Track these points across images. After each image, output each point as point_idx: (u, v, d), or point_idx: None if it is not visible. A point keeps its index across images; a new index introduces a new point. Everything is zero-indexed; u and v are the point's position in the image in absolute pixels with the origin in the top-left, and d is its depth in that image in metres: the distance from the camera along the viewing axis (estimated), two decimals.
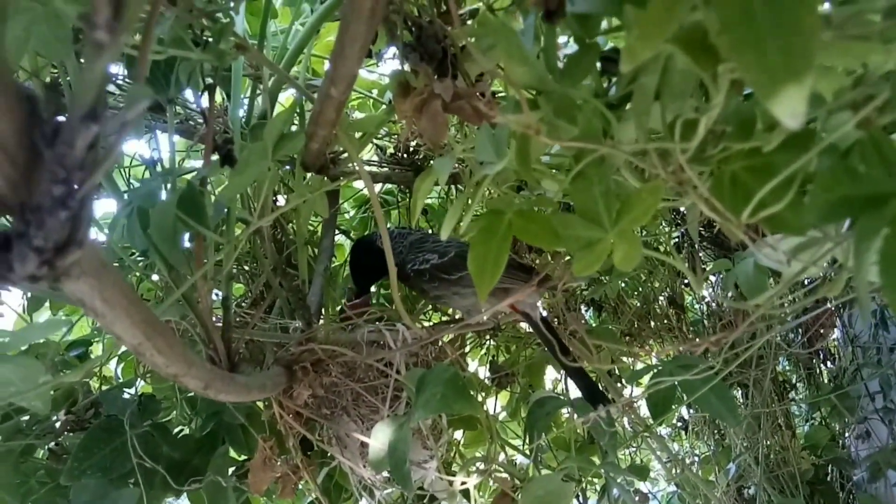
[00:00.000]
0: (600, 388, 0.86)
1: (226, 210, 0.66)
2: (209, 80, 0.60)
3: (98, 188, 0.68)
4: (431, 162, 1.14)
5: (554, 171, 0.57)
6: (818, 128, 0.43)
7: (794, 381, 1.95)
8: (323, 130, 0.61)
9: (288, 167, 0.93)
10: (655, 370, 0.90)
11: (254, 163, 0.59)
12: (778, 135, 0.42)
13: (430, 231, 1.21)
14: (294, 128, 0.76)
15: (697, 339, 0.50)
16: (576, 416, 0.78)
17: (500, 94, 0.88)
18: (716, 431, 1.69)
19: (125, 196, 0.59)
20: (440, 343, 0.93)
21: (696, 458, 1.75)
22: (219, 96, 0.98)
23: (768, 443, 1.52)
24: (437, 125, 0.57)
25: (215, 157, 0.61)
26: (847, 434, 1.91)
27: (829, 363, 1.98)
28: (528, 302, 0.86)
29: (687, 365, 0.92)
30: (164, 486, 0.87)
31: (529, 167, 0.51)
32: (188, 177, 0.67)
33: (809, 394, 1.93)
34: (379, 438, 0.74)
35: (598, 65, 0.50)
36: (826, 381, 1.96)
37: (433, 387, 0.72)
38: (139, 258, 0.65)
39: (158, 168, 0.76)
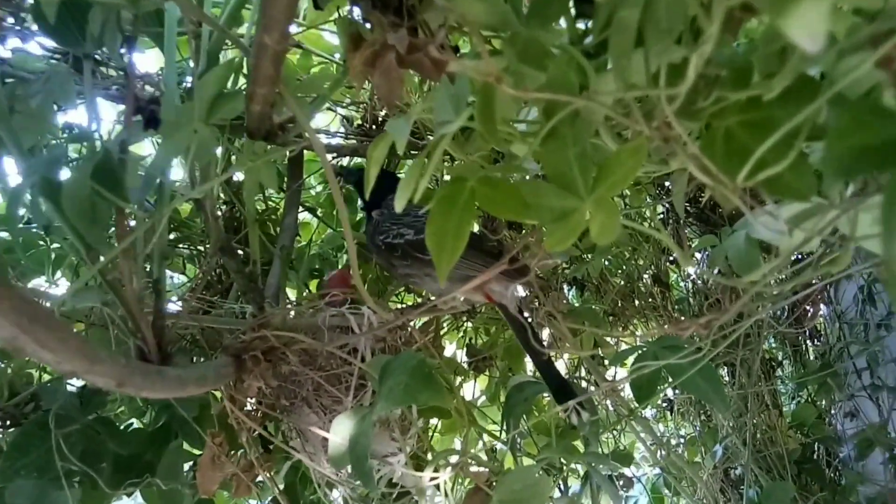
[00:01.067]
0: (567, 381, 0.80)
1: (158, 181, 0.58)
2: (129, 31, 0.53)
3: None
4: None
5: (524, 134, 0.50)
6: (828, 72, 0.36)
7: (780, 358, 1.91)
8: (262, 89, 0.53)
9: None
10: (639, 352, 0.85)
11: (183, 126, 0.51)
12: (780, 81, 0.36)
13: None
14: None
15: (684, 320, 0.44)
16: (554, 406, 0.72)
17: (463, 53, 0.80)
18: (701, 412, 1.65)
19: (26, 166, 0.52)
20: (409, 328, 0.87)
21: (682, 440, 1.71)
22: (158, 58, 0.90)
23: (755, 422, 1.48)
24: (392, 81, 0.50)
25: (139, 119, 0.53)
26: (833, 411, 1.89)
27: (815, 340, 1.95)
28: (505, 294, 0.80)
29: (672, 346, 0.87)
30: (112, 484, 0.81)
31: (493, 126, 0.44)
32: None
33: (796, 371, 1.90)
34: (339, 432, 0.68)
35: (572, 5, 0.44)
36: (812, 358, 1.93)
37: (397, 375, 0.66)
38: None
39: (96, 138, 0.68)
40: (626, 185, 0.39)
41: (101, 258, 0.51)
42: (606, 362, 1.46)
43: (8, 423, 0.80)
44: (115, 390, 0.43)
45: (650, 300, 1.52)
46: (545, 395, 0.92)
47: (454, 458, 0.73)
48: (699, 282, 1.72)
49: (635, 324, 1.59)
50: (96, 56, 0.72)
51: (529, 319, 0.87)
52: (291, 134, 0.64)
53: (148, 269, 0.60)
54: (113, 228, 0.55)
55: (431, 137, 1.07)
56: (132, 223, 0.55)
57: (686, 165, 0.42)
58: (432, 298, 0.86)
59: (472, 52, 0.45)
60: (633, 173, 0.40)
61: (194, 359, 0.79)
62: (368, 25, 0.57)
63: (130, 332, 0.52)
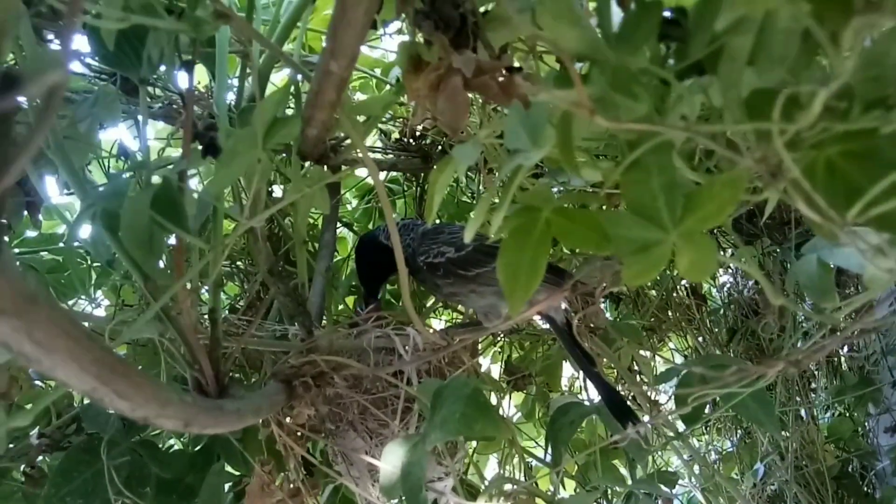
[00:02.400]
0: (627, 402, 0.78)
1: (212, 208, 0.57)
2: (187, 57, 0.51)
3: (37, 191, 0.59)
4: (441, 148, 1.05)
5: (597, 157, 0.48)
6: None
7: (812, 369, 1.87)
8: (322, 114, 0.52)
9: (284, 155, 0.84)
10: (685, 372, 0.83)
11: (242, 152, 0.50)
12: None
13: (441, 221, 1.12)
14: (289, 112, 0.67)
15: (773, 357, 0.41)
16: (610, 434, 0.70)
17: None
18: (738, 427, 1.61)
19: (88, 196, 0.50)
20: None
21: (717, 455, 1.68)
22: (205, 77, 0.89)
23: (795, 442, 1.44)
24: (458, 105, 0.48)
25: (197, 146, 0.52)
26: (869, 425, 1.84)
27: (850, 349, 1.90)
28: (552, 305, 0.77)
29: (719, 365, 0.84)
30: None
31: (573, 155, 0.42)
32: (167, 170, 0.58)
33: (829, 382, 1.85)
34: (391, 460, 0.66)
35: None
36: (846, 368, 1.88)
37: (451, 404, 0.64)
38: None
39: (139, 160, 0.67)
40: (720, 220, 0.37)
41: (159, 288, 0.50)
42: (642, 377, 1.43)
43: (50, 447, 0.79)
44: (182, 430, 0.42)
45: (687, 312, 1.48)
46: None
47: (508, 486, 0.71)
48: (734, 293, 1.68)
49: (670, 336, 1.56)
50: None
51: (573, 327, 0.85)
52: (342, 155, 0.63)
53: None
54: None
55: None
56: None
57: (785, 198, 0.40)
58: (477, 317, 0.84)
59: (550, 77, 0.43)
60: (729, 207, 0.37)
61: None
62: (426, 44, 0.55)
63: (188, 363, 0.51)
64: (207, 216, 0.56)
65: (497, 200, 0.47)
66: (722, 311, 1.67)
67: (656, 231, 0.41)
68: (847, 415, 1.80)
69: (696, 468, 1.46)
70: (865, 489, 1.73)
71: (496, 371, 1.27)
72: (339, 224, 1.07)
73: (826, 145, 0.38)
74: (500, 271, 0.44)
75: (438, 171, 0.50)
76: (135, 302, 0.81)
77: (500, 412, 1.16)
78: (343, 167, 0.64)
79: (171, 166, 0.55)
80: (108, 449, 0.70)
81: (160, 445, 0.84)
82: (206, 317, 0.57)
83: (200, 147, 0.51)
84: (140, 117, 0.73)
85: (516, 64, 0.50)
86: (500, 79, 0.50)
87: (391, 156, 1.05)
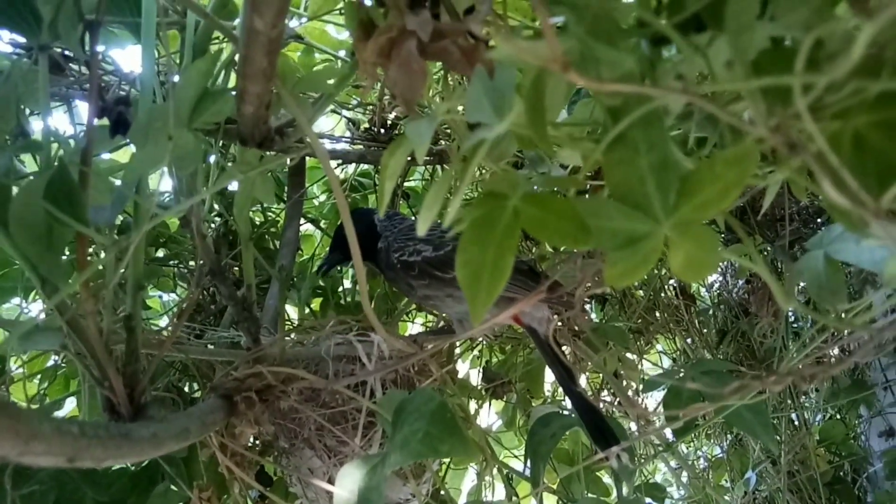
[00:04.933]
0: (605, 419, 0.71)
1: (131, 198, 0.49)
2: (90, 17, 0.43)
3: None
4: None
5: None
6: None
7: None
8: (255, 86, 0.44)
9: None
10: (674, 378, 0.76)
11: (158, 132, 0.42)
12: None
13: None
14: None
15: (781, 371, 0.35)
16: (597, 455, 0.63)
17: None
18: (728, 432, 1.55)
19: None
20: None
21: (705, 462, 1.62)
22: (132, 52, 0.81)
23: (788, 449, 1.39)
24: (413, 74, 0.41)
25: (104, 123, 0.44)
26: (860, 428, 1.79)
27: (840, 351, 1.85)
28: (536, 315, 0.70)
29: (711, 371, 0.78)
30: None
31: (544, 127, 0.34)
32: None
33: (820, 384, 1.79)
34: (346, 485, 0.58)
35: None
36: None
37: (414, 422, 0.56)
38: None
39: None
40: (722, 207, 0.30)
41: (59, 291, 0.42)
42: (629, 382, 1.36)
43: None
44: (65, 466, 0.34)
45: (675, 313, 1.42)
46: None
47: None
48: (724, 293, 1.62)
49: (657, 339, 1.50)
50: (67, 52, 0.63)
51: (557, 342, 0.78)
52: (291, 139, 0.55)
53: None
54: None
55: (444, 142, 0.98)
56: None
57: (797, 179, 0.33)
58: (451, 324, 0.77)
59: (517, 33, 0.36)
60: (734, 190, 0.30)
61: (181, 397, 0.70)
62: (381, 10, 0.47)
63: (96, 380, 0.43)
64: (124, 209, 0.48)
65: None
66: (711, 312, 1.61)
67: (645, 221, 0.34)
68: (839, 418, 1.75)
69: (683, 477, 1.40)
70: (857, 493, 1.69)
71: (475, 376, 1.20)
72: (303, 220, 0.99)
73: (853, 114, 0.31)
74: (459, 270, 0.37)
75: (390, 153, 0.43)
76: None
77: (478, 421, 1.09)
78: (290, 153, 0.56)
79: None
80: (24, 479, 0.61)
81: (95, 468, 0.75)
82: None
83: (109, 124, 0.43)
84: (42, 92, 0.64)
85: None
86: (463, 44, 0.43)
87: (360, 146, 0.97)
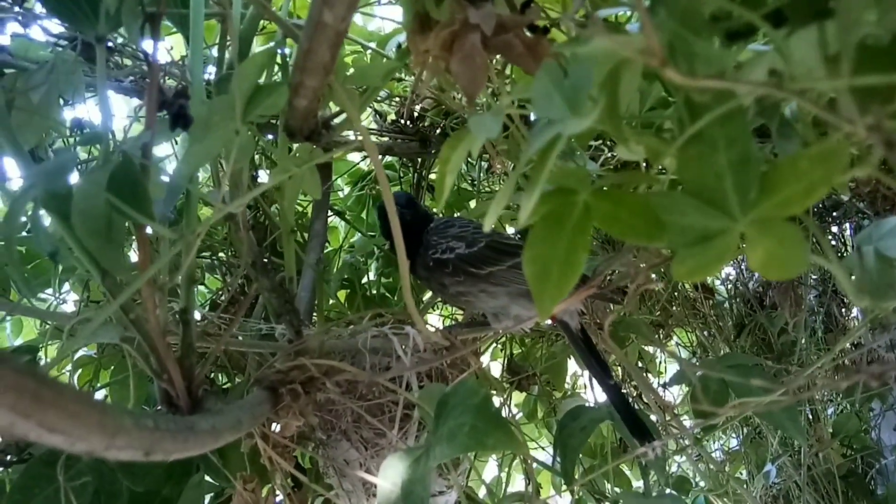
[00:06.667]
0: (637, 413, 0.71)
1: (186, 191, 0.49)
2: (151, 10, 0.43)
3: None
4: (441, 130, 0.97)
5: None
6: None
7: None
8: (312, 80, 0.44)
9: (270, 136, 0.76)
10: (705, 372, 0.76)
11: (218, 124, 0.42)
12: None
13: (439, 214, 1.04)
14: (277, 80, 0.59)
15: (853, 369, 0.35)
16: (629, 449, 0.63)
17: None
18: (745, 424, 1.55)
19: (27, 173, 0.42)
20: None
21: (722, 454, 1.62)
22: (182, 49, 0.81)
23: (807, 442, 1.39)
24: (475, 67, 0.41)
25: (164, 116, 0.44)
26: (874, 421, 1.79)
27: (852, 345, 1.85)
28: (568, 309, 0.70)
29: (738, 365, 0.78)
30: None
31: (620, 121, 0.34)
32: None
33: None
34: (390, 476, 0.58)
35: None
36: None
37: (459, 415, 0.56)
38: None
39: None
40: (806, 205, 0.30)
41: (120, 285, 0.42)
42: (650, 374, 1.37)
43: (11, 458, 0.71)
44: (141, 460, 0.34)
45: (694, 307, 1.42)
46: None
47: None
48: (740, 286, 1.62)
49: (674, 332, 1.50)
50: (109, 43, 0.62)
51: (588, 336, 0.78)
52: (335, 134, 0.55)
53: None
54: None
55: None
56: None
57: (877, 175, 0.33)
58: (486, 318, 0.76)
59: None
60: (821, 188, 0.30)
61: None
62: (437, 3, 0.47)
63: (154, 373, 0.43)
64: (180, 201, 0.48)
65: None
66: (727, 305, 1.61)
67: (720, 218, 0.34)
68: (853, 411, 1.75)
69: (702, 468, 1.40)
70: (870, 487, 1.69)
71: (496, 369, 1.20)
72: (330, 212, 0.99)
73: None
74: (527, 266, 0.37)
75: (450, 147, 0.43)
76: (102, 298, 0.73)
77: (503, 414, 1.09)
78: (335, 148, 0.56)
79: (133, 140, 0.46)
80: (71, 463, 0.62)
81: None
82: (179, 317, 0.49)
83: (168, 118, 0.43)
84: (115, 91, 0.65)
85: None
86: (525, 37, 0.43)
87: (386, 139, 0.97)
